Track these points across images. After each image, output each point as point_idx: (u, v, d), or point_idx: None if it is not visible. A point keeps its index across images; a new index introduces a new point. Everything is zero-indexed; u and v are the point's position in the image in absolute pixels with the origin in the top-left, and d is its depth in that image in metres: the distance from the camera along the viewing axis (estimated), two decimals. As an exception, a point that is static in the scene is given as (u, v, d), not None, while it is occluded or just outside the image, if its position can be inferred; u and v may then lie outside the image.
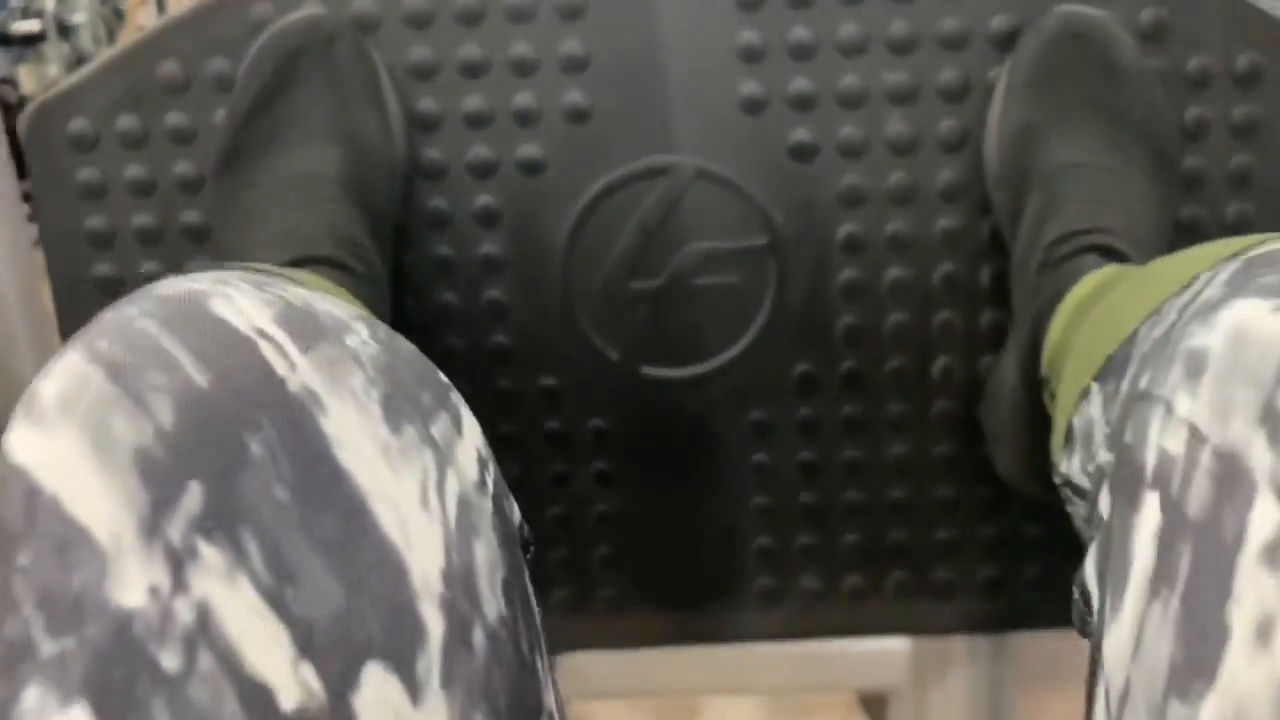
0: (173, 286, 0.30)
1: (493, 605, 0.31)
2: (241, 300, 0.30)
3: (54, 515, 0.25)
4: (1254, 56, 0.59)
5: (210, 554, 0.26)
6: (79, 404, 0.26)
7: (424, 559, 0.29)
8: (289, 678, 0.26)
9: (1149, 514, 0.31)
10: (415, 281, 0.61)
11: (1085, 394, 0.43)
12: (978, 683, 0.73)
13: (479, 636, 0.30)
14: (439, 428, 0.32)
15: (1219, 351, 0.30)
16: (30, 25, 4.42)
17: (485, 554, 0.32)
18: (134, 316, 0.28)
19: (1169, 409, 0.32)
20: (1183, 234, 0.61)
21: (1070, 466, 0.45)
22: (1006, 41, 0.59)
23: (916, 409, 0.63)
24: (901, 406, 0.63)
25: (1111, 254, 0.53)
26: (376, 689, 0.27)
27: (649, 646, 0.69)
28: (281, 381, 0.28)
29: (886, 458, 0.64)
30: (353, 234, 0.54)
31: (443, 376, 0.35)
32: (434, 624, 0.29)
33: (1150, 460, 0.32)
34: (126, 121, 0.59)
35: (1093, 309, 0.47)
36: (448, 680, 0.29)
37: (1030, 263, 0.56)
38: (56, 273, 0.61)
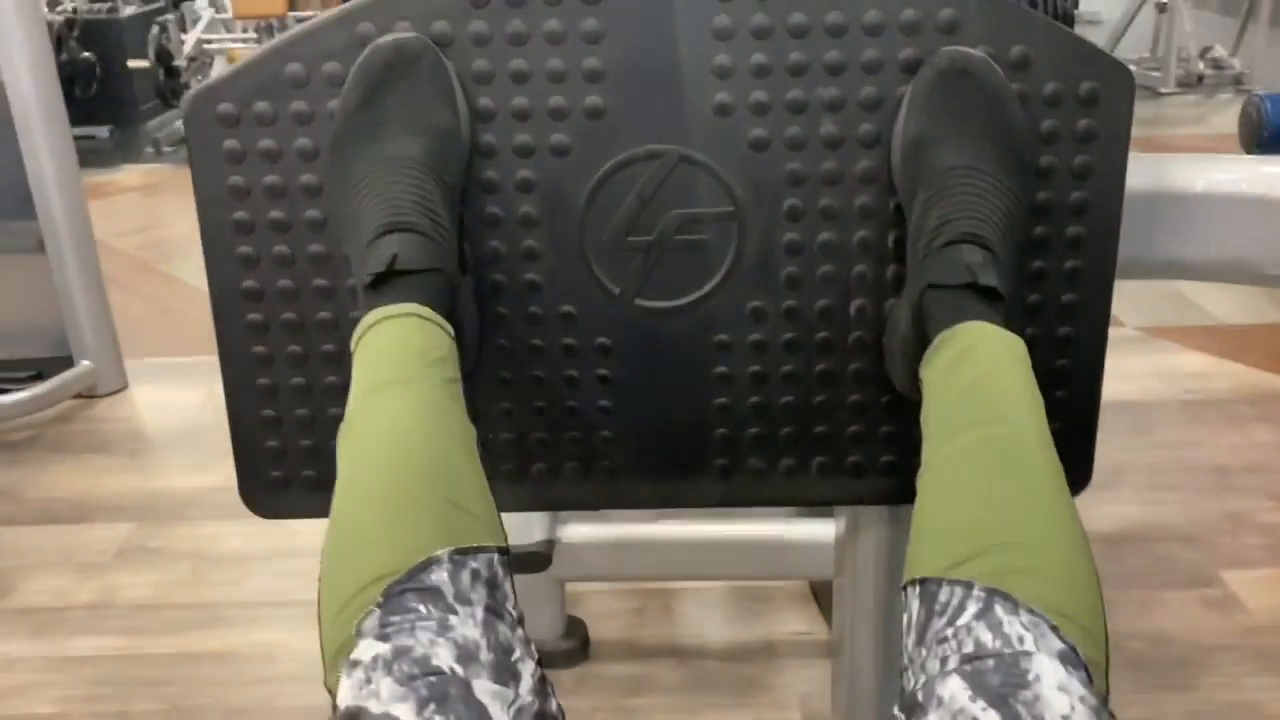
0: None
1: None
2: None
3: None
4: (1092, 83, 0.80)
5: None
6: None
7: None
8: None
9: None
10: (472, 232, 0.83)
11: (909, 585, 0.64)
12: (881, 543, 0.96)
13: None
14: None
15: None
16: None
17: None
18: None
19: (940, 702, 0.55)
20: (1038, 213, 0.82)
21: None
22: (911, 68, 0.79)
23: (838, 336, 0.85)
24: (826, 333, 0.84)
25: (976, 240, 0.74)
26: None
27: (637, 508, 0.92)
28: None
29: (815, 371, 0.85)
30: (432, 202, 0.75)
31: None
32: None
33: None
34: (262, 106, 0.80)
35: (947, 351, 0.71)
36: None
37: (920, 240, 0.76)
38: (205, 216, 0.82)
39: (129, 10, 4.57)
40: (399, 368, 0.69)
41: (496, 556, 0.62)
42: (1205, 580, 1.68)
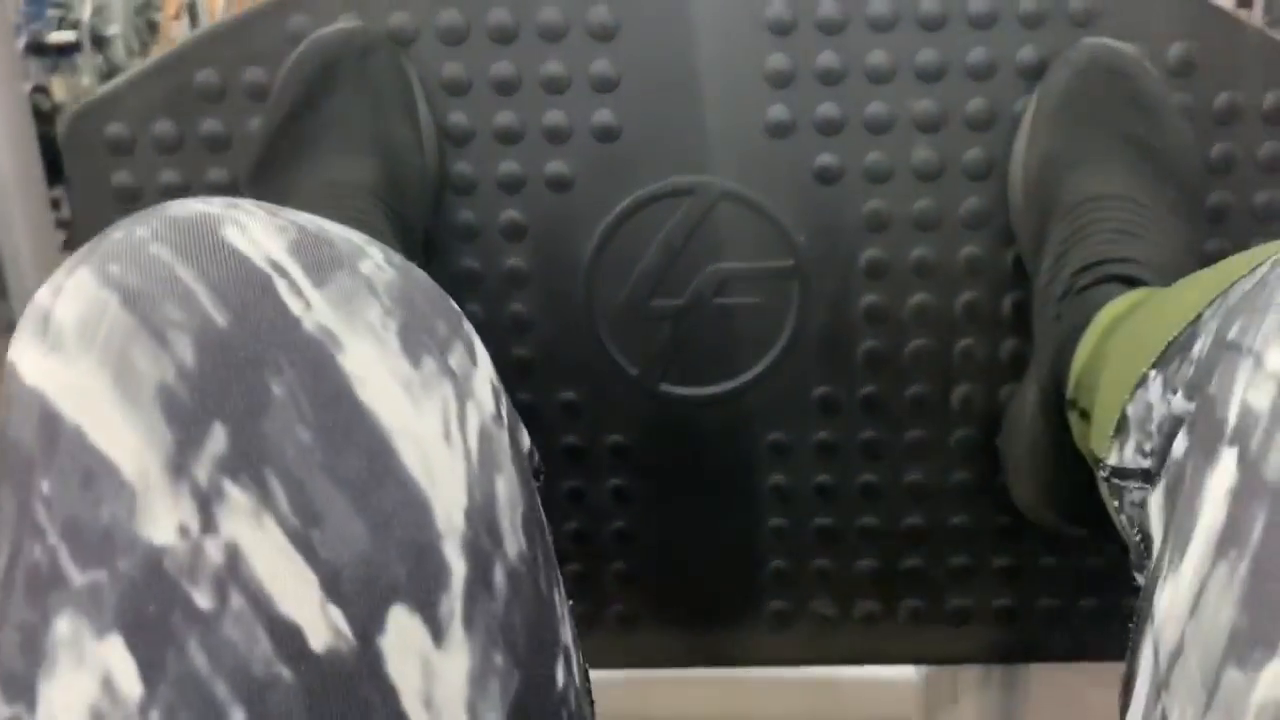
0: (184, 209, 0.29)
1: (513, 543, 0.31)
2: (255, 228, 0.29)
3: (77, 446, 0.25)
4: (1282, 94, 0.59)
5: (237, 495, 0.26)
6: (97, 332, 0.26)
7: (447, 497, 0.29)
8: (319, 620, 0.26)
9: (1224, 470, 0.30)
10: (440, 293, 0.62)
11: (1142, 381, 0.42)
12: (987, 715, 0.72)
13: (499, 576, 0.30)
14: (456, 358, 0.31)
15: None
16: (65, 35, 4.49)
17: (506, 490, 0.31)
18: (146, 240, 0.28)
19: (1258, 361, 0.30)
20: (1207, 265, 0.61)
21: (1122, 455, 0.44)
22: (1034, 72, 0.59)
23: (935, 436, 0.63)
24: (920, 432, 0.63)
25: (1134, 283, 0.53)
26: (401, 631, 0.27)
27: (660, 667, 0.69)
28: (297, 321, 0.28)
29: (904, 483, 0.64)
30: (383, 242, 0.55)
31: (454, 304, 0.34)
32: (457, 565, 0.29)
33: (1232, 414, 0.30)
34: (163, 127, 0.60)
35: (1127, 321, 0.47)
36: (469, 621, 0.29)
37: (1053, 292, 0.56)
38: (88, 274, 0.62)
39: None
40: None
41: None
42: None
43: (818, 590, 0.65)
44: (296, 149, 0.57)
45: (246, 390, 0.26)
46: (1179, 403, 0.36)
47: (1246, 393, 0.30)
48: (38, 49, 4.28)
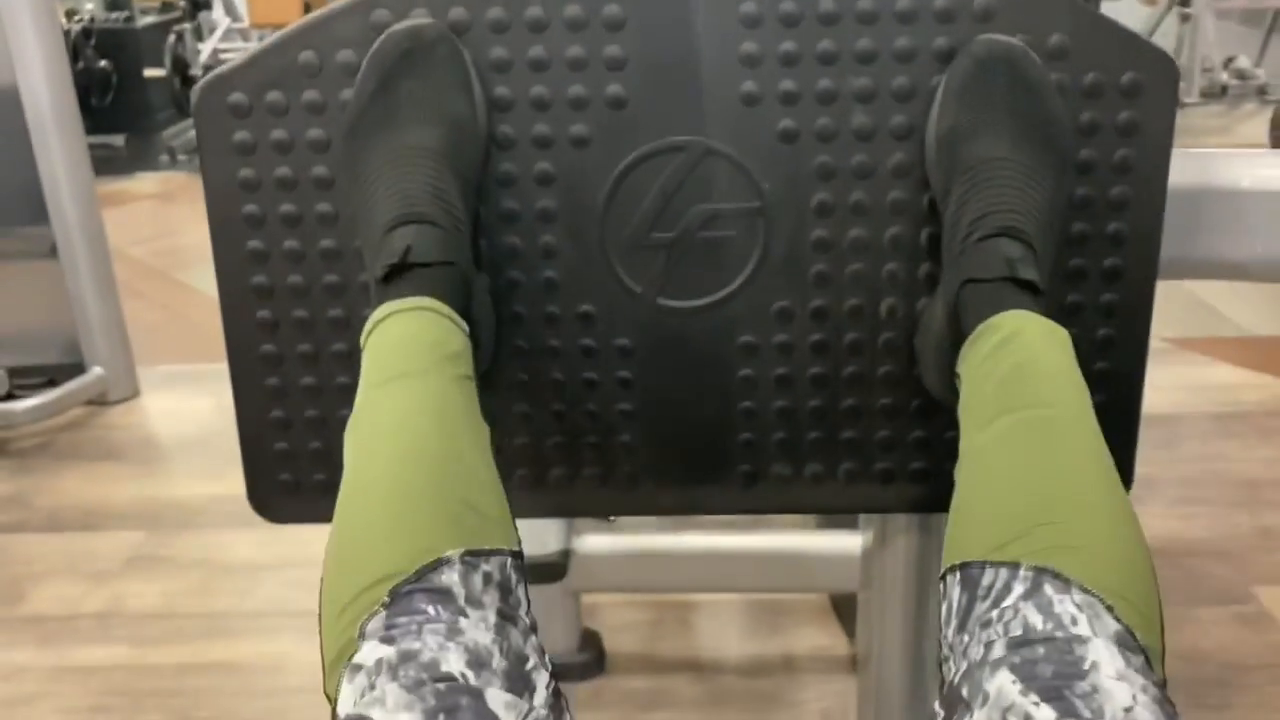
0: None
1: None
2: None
3: None
4: (1134, 73, 0.76)
5: None
6: None
7: None
8: None
9: None
10: (488, 228, 0.80)
11: (948, 572, 0.60)
12: (910, 552, 0.92)
13: None
14: None
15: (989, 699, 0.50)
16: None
17: None
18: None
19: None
20: (1076, 210, 0.79)
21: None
22: (946, 57, 0.76)
23: (867, 337, 0.81)
24: (856, 334, 0.81)
25: (1015, 234, 0.70)
26: None
27: (658, 514, 0.88)
28: None
29: (843, 374, 0.82)
30: (447, 194, 0.72)
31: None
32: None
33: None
34: (273, 96, 0.77)
35: (985, 341, 0.68)
36: None
37: (956, 234, 0.73)
38: (214, 210, 0.80)
39: (146, 20, 4.59)
40: (410, 361, 0.66)
41: (510, 560, 0.59)
42: (1238, 597, 1.64)
43: (777, 456, 0.84)
44: (379, 118, 0.74)
45: None
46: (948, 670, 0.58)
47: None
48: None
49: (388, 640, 0.53)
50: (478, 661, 0.52)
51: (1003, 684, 0.49)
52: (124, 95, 4.46)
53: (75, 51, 4.13)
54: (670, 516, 1.12)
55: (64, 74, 2.22)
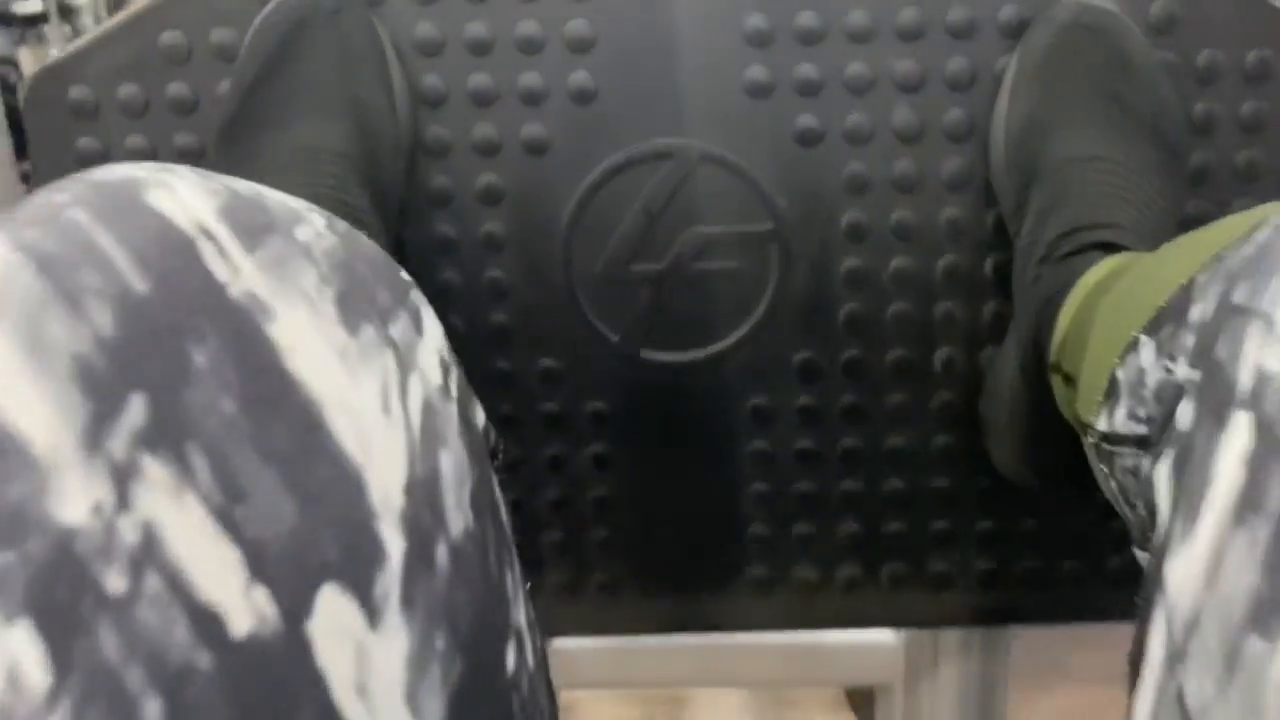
0: (109, 173, 0.28)
1: (458, 519, 0.30)
2: (183, 191, 0.28)
3: None
4: (1263, 52, 0.59)
5: (155, 470, 0.24)
6: (9, 300, 0.24)
7: (384, 472, 0.28)
8: (241, 602, 0.24)
9: (1239, 435, 0.29)
10: (416, 259, 0.61)
11: (1133, 346, 0.41)
12: (968, 678, 0.73)
13: (442, 553, 0.29)
14: (399, 328, 0.30)
15: None
16: (32, 6, 4.39)
17: (451, 464, 0.30)
18: (65, 204, 0.26)
19: (1269, 324, 0.30)
20: (1188, 229, 0.61)
21: (1112, 420, 0.43)
22: (1015, 31, 0.59)
23: (916, 399, 0.63)
24: (901, 397, 0.63)
25: (1114, 249, 0.53)
26: (332, 614, 0.26)
27: (642, 634, 0.69)
28: (223, 287, 0.26)
29: (885, 448, 0.64)
30: (356, 210, 0.54)
31: (404, 273, 0.33)
32: (393, 543, 0.27)
33: (1245, 378, 0.30)
34: (128, 91, 0.59)
35: (1113, 286, 0.47)
36: (407, 602, 0.27)
37: (1033, 255, 0.56)
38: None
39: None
40: None
41: None
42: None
43: (799, 555, 0.65)
44: (266, 112, 0.56)
45: (166, 359, 0.25)
46: (1182, 369, 0.36)
47: (1261, 356, 0.29)
48: (3, 20, 4.20)
49: None
50: None
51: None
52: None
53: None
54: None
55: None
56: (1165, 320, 0.38)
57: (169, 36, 0.58)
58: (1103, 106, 0.57)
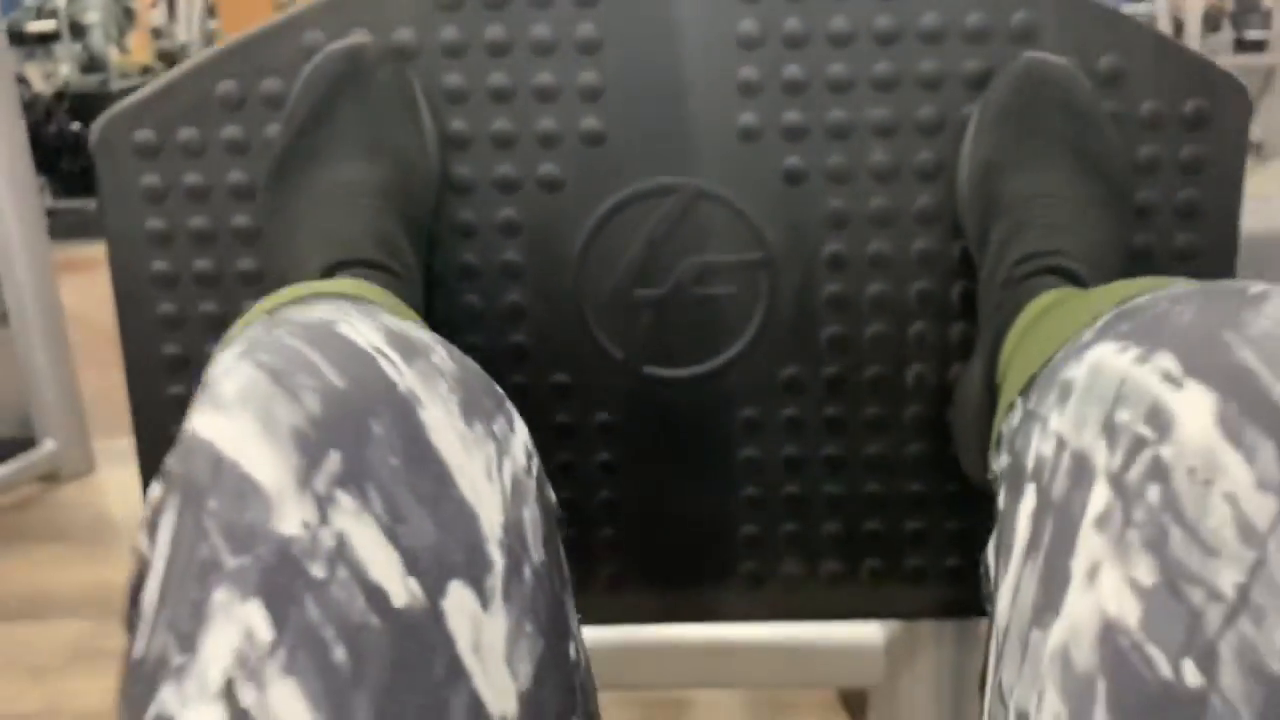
0: (307, 315, 0.41)
1: (537, 553, 0.41)
2: (360, 325, 0.40)
3: (233, 473, 0.35)
4: (1199, 102, 0.66)
5: (346, 500, 0.35)
6: (251, 396, 0.37)
7: (489, 515, 0.39)
8: (399, 586, 0.35)
9: (1028, 500, 0.41)
10: (443, 284, 0.67)
11: (1011, 407, 0.51)
12: (944, 666, 0.79)
13: (527, 571, 0.40)
14: (498, 426, 0.42)
15: (1080, 382, 0.40)
16: (44, 25, 4.46)
17: (530, 518, 0.41)
18: (283, 336, 0.39)
19: (1044, 424, 0.42)
20: (1135, 260, 0.67)
21: (997, 466, 0.53)
22: (979, 82, 0.65)
23: (892, 411, 0.69)
24: (878, 408, 0.69)
25: (1066, 275, 0.59)
26: (458, 597, 0.37)
27: (646, 623, 0.75)
28: (394, 385, 0.38)
29: (864, 455, 0.70)
30: (392, 238, 0.60)
31: (498, 388, 0.45)
32: (497, 558, 0.38)
33: (1030, 461, 0.42)
34: (187, 133, 0.66)
35: (1036, 330, 0.55)
36: (507, 597, 0.38)
37: (995, 281, 0.62)
38: (118, 267, 0.68)
39: (120, 83, 4.51)
40: None
41: None
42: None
43: (787, 552, 0.71)
44: (311, 154, 0.63)
45: (355, 429, 0.36)
46: (1002, 461, 0.49)
47: (1039, 446, 0.42)
48: (16, 38, 4.26)
49: None
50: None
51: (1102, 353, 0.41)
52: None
53: (47, 114, 4.05)
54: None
55: (20, 137, 2.12)
56: (1031, 391, 0.48)
57: (224, 85, 0.65)
58: (1055, 150, 0.63)
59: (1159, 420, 0.36)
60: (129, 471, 2.28)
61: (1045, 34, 0.65)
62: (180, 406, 0.68)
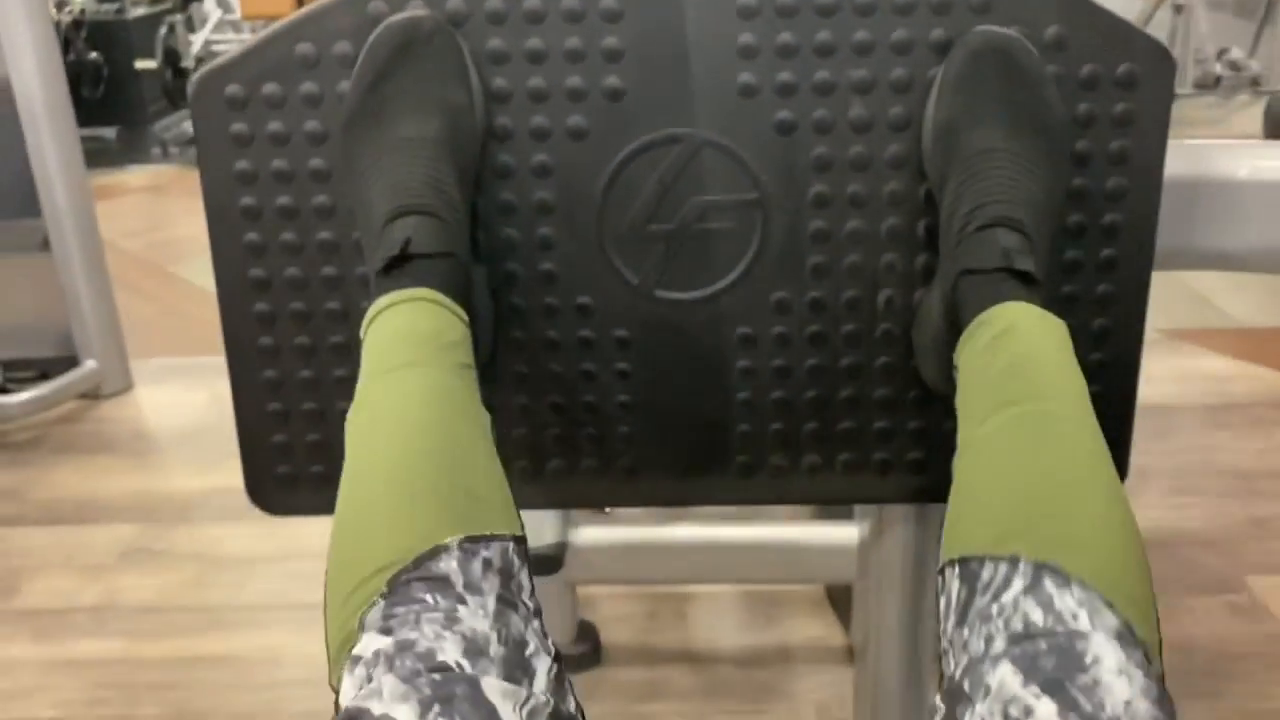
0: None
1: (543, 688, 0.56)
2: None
3: None
4: (1131, 64, 0.77)
5: None
6: (396, 694, 0.50)
7: None
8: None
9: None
10: (485, 220, 0.80)
11: (947, 565, 0.60)
12: (908, 541, 0.92)
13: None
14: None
15: (992, 690, 0.51)
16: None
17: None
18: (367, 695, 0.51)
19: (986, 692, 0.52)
20: (1073, 200, 0.79)
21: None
22: (943, 48, 0.76)
23: (865, 328, 0.81)
24: (853, 326, 0.81)
25: (1010, 224, 0.71)
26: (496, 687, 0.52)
27: (657, 505, 0.89)
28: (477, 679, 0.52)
29: (840, 365, 0.82)
30: (445, 185, 0.72)
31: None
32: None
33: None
34: (270, 88, 0.77)
35: (995, 354, 0.67)
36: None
37: (953, 224, 0.73)
38: (211, 202, 0.80)
39: (137, 11, 4.56)
40: (410, 351, 0.66)
41: (511, 545, 0.59)
42: (1231, 587, 1.64)
43: (774, 447, 0.84)
44: (378, 109, 0.74)
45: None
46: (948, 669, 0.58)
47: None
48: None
49: (385, 631, 0.53)
50: (475, 649, 0.52)
51: (1004, 676, 0.50)
52: (115, 87, 4.43)
53: (66, 43, 4.10)
54: (667, 508, 1.11)
55: (56, 66, 2.21)
56: (963, 574, 0.59)
57: (302, 47, 0.76)
58: (1005, 109, 0.74)
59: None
60: (166, 388, 2.49)
61: (999, 7, 0.76)
62: (264, 323, 0.81)
